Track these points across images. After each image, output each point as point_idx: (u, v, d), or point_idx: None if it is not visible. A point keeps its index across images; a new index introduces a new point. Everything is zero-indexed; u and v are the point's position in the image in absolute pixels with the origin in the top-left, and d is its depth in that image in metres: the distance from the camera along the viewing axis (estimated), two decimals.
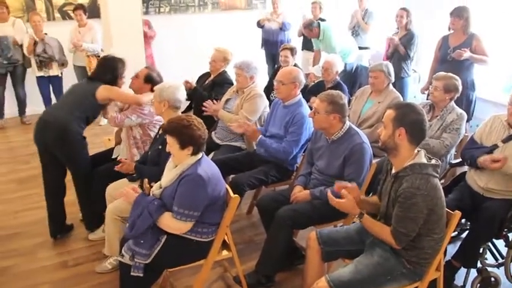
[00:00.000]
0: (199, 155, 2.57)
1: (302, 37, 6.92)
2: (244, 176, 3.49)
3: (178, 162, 2.56)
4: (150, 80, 3.63)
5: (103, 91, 3.45)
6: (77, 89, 3.67)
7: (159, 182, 2.65)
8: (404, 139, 2.29)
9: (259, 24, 7.11)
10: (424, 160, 2.30)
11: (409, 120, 2.28)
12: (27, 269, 3.36)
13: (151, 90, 3.53)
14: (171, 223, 2.49)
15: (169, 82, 3.26)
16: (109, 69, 3.54)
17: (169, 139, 2.51)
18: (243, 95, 4.06)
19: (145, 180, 2.79)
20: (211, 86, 4.60)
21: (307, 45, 6.82)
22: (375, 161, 3.11)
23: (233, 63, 4.21)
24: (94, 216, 3.63)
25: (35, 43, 6.21)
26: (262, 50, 7.32)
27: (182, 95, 3.20)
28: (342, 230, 2.69)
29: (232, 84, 4.45)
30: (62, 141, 3.38)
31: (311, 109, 3.39)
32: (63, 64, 6.50)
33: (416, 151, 2.34)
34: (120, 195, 2.72)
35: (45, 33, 6.29)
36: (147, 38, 6.57)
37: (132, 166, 3.20)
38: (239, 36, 7.30)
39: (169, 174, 2.57)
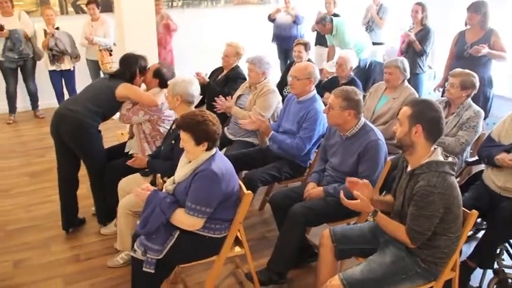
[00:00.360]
0: (213, 151, 2.55)
1: (316, 32, 6.86)
2: (257, 172, 3.47)
3: (192, 158, 2.53)
4: (158, 75, 3.61)
5: (123, 89, 3.45)
6: (97, 84, 3.70)
7: (172, 178, 2.64)
8: (421, 136, 2.26)
9: (270, 18, 7.05)
10: (441, 158, 2.26)
11: (426, 118, 2.25)
12: (40, 263, 3.38)
13: (160, 86, 3.54)
14: (184, 219, 2.48)
15: (182, 77, 3.24)
16: (128, 66, 3.55)
17: (184, 135, 2.49)
18: (255, 90, 4.04)
19: (158, 175, 2.79)
20: (224, 81, 4.59)
21: (320, 41, 6.76)
22: (389, 158, 3.07)
23: (245, 58, 4.19)
24: (107, 210, 3.64)
25: (46, 36, 6.23)
26: (274, 44, 7.27)
27: (195, 89, 3.18)
28: (356, 228, 2.66)
29: (245, 79, 4.43)
30: (76, 134, 3.39)
31: (325, 105, 3.36)
32: (76, 57, 6.52)
33: (432, 148, 2.30)
34: (134, 194, 2.70)
35: (57, 27, 6.31)
36: (170, 31, 6.57)
37: (145, 161, 3.20)
38: (252, 31, 7.26)
39: (182, 170, 2.56)
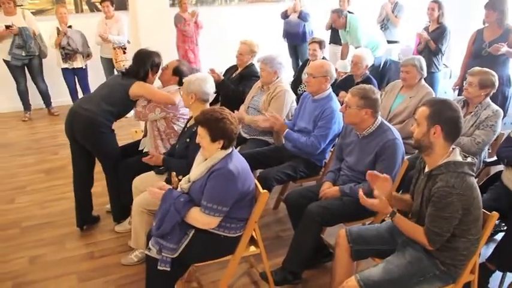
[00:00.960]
0: (230, 149, 2.54)
1: (330, 30, 6.82)
2: (272, 170, 3.46)
3: (208, 155, 2.53)
4: (178, 72, 3.61)
5: (136, 88, 3.44)
6: (110, 82, 3.69)
7: (187, 176, 2.63)
8: (440, 137, 2.22)
9: (285, 15, 7.00)
10: (460, 158, 2.22)
11: (445, 118, 2.21)
12: (55, 259, 3.40)
13: (179, 83, 3.53)
14: (199, 218, 2.47)
15: (197, 74, 3.23)
16: (142, 64, 3.52)
17: (201, 130, 2.49)
18: (268, 91, 4.01)
19: (173, 173, 2.79)
20: (238, 79, 4.58)
21: (335, 39, 6.72)
22: (406, 157, 3.03)
23: (259, 57, 4.16)
24: (121, 208, 3.65)
25: (59, 34, 6.27)
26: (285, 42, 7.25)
27: (210, 87, 3.15)
28: (373, 229, 2.63)
29: (259, 77, 4.40)
30: (89, 133, 3.40)
31: (341, 104, 3.34)
32: (87, 56, 6.57)
33: (451, 149, 2.26)
34: (149, 194, 2.69)
35: (70, 26, 6.35)
36: (198, 29, 6.61)
37: (160, 159, 3.19)
38: (266, 29, 7.23)
39: (198, 168, 2.55)
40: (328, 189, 3.06)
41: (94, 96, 3.56)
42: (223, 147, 2.49)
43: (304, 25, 6.84)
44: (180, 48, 6.59)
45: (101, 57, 6.76)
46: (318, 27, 6.99)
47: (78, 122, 3.39)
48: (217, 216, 2.46)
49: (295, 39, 6.92)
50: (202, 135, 2.48)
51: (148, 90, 3.48)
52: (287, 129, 3.55)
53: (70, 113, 3.46)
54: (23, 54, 6.27)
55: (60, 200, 4.26)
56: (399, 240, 2.46)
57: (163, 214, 2.47)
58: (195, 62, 6.57)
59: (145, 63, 3.52)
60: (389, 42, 6.35)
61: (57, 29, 6.31)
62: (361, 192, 2.41)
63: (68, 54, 6.37)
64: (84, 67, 6.60)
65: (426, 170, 2.34)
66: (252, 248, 2.76)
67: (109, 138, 3.51)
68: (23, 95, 6.69)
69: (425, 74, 4.00)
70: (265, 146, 3.90)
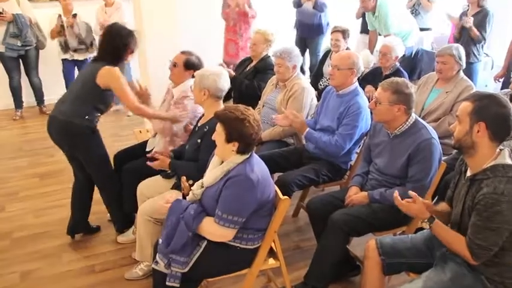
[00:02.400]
0: (248, 154, 2.51)
1: (361, 19, 6.76)
2: (292, 174, 3.45)
3: (221, 156, 2.53)
4: (190, 65, 3.59)
5: (104, 75, 3.23)
6: (80, 75, 3.59)
7: (200, 181, 2.62)
8: (485, 136, 2.18)
9: (298, 4, 6.92)
10: (509, 160, 2.18)
11: (491, 114, 2.16)
12: (51, 274, 3.41)
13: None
14: (213, 229, 2.46)
15: (210, 69, 3.21)
16: (109, 43, 3.31)
17: (219, 126, 2.48)
18: (285, 89, 3.98)
19: (183, 178, 2.77)
20: (253, 73, 4.57)
21: (365, 28, 6.62)
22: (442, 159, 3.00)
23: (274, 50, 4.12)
24: (124, 216, 3.65)
25: (62, 27, 6.31)
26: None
27: (225, 83, 3.14)
28: (407, 240, 2.60)
29: None
30: (66, 137, 3.36)
31: (369, 100, 3.31)
32: (92, 47, 6.62)
33: (498, 150, 2.22)
34: (158, 207, 2.68)
35: (75, 14, 6.38)
36: (247, 18, 6.50)
37: (167, 162, 3.17)
38: (275, 18, 7.15)
39: (213, 173, 2.53)
40: (355, 195, 3.05)
41: (68, 93, 3.45)
42: (239, 151, 2.47)
43: (320, 16, 6.74)
44: (225, 37, 6.43)
45: None
46: (337, 19, 6.87)
47: (54, 127, 3.35)
48: (233, 228, 2.45)
49: (309, 31, 6.77)
50: (219, 132, 2.48)
51: (115, 82, 3.26)
52: (308, 129, 3.53)
53: (48, 119, 3.41)
54: (19, 44, 6.29)
55: (56, 208, 4.27)
56: (438, 252, 2.43)
57: (172, 228, 2.46)
58: (233, 56, 6.23)
59: (114, 40, 3.30)
60: (421, 29, 6.28)
61: (59, 16, 6.34)
62: (396, 193, 2.40)
63: (76, 49, 6.44)
64: (88, 59, 6.61)
65: (468, 173, 2.30)
66: (271, 261, 2.75)
67: (92, 140, 3.41)
68: (16, 91, 6.73)
69: (464, 64, 3.95)
70: (285, 147, 3.88)
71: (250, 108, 2.55)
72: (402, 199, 2.39)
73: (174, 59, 3.64)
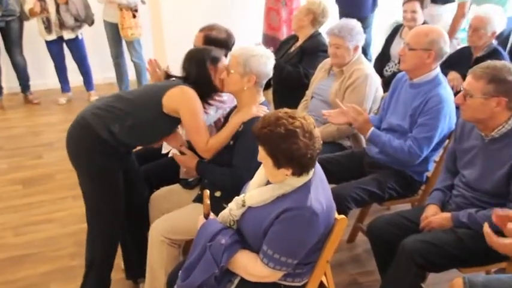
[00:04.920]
0: (309, 176, 2.42)
1: None
2: (348, 186, 3.43)
3: (273, 180, 2.43)
4: (212, 43, 3.57)
5: (174, 95, 3.05)
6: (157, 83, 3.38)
7: (241, 197, 2.51)
8: None
9: None
10: None
11: None
12: None
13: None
14: (253, 268, 2.41)
15: (251, 47, 3.11)
16: (192, 63, 3.17)
17: (260, 149, 2.36)
18: (342, 76, 3.96)
19: (206, 192, 2.64)
20: (298, 55, 4.57)
21: None
22: None
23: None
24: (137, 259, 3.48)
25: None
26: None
27: (272, 67, 3.10)
28: (505, 280, 2.51)
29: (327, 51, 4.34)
30: (75, 149, 3.07)
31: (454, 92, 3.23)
32: (92, 22, 6.79)
33: None
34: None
35: None
36: None
37: (194, 162, 3.13)
38: None
39: (260, 193, 2.45)
40: (435, 217, 2.99)
41: (125, 96, 3.21)
42: (294, 173, 2.36)
43: None
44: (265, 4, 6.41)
45: (104, 21, 6.89)
46: None
47: (70, 133, 3.08)
48: (282, 270, 2.40)
49: (354, 6, 6.60)
50: (263, 157, 2.36)
51: (188, 106, 3.06)
52: (372, 128, 3.48)
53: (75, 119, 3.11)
54: None
55: (43, 224, 4.31)
56: None
57: (197, 258, 2.43)
58: (276, 29, 6.22)
59: (197, 62, 3.16)
60: None
61: None
62: (487, 229, 2.28)
63: (68, 27, 6.58)
64: (80, 37, 6.78)
65: None
66: None
67: (105, 165, 3.08)
68: None
69: None
70: (339, 151, 3.87)
71: (297, 111, 2.41)
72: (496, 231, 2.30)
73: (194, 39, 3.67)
